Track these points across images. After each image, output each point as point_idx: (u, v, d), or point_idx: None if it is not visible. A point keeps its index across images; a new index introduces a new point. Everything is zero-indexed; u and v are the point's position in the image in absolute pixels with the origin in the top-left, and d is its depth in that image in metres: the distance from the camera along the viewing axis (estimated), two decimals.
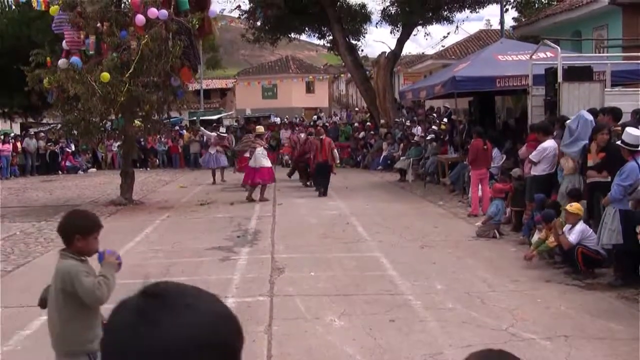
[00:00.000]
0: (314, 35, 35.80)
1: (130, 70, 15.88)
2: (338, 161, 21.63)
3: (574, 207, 9.47)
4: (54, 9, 17.03)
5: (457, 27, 32.41)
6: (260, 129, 20.85)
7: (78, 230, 4.39)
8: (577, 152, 10.61)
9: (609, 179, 9.30)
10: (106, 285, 4.33)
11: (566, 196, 10.42)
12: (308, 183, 21.67)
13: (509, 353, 1.56)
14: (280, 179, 23.86)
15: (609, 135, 9.72)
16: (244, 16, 33.60)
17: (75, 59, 16.25)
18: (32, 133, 32.50)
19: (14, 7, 32.13)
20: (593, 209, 9.95)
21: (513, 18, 38.11)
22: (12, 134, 33.37)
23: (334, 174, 19.86)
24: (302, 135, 23.40)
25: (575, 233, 9.26)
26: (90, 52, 16.50)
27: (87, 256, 4.46)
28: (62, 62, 16.35)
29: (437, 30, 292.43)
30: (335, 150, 20.58)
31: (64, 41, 16.72)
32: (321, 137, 20.04)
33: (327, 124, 33.96)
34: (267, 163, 18.78)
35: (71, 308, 4.34)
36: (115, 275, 4.44)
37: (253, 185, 18.66)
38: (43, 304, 4.61)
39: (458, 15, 32.37)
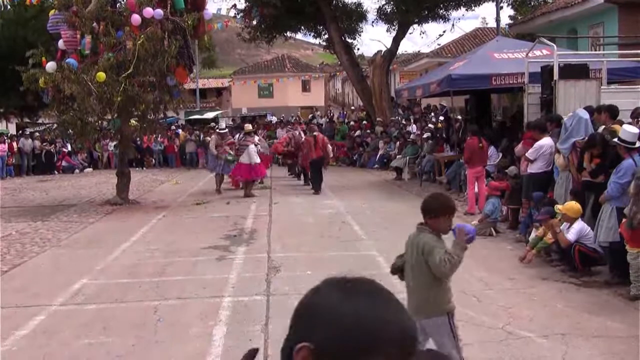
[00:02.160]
0: (309, 34, 35.83)
1: (129, 71, 15.87)
2: (331, 155, 22.14)
3: (567, 206, 9.47)
4: (51, 13, 17.00)
5: (452, 25, 32.36)
6: (248, 127, 21.43)
7: (429, 212, 5.01)
8: (567, 149, 10.63)
9: (603, 181, 9.31)
10: (449, 263, 4.84)
11: (568, 194, 10.45)
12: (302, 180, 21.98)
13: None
14: (277, 178, 23.86)
15: (600, 151, 9.68)
16: (239, 15, 33.58)
17: (71, 59, 16.20)
18: (28, 133, 32.44)
19: (9, 7, 32.09)
20: (585, 208, 9.95)
21: (509, 16, 38.24)
22: (9, 134, 33.31)
23: (324, 169, 20.31)
24: (297, 132, 23.34)
25: (574, 231, 9.26)
26: (86, 52, 16.45)
27: (442, 233, 5.01)
28: (50, 65, 16.28)
29: (432, 28, 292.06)
30: (329, 146, 21.06)
31: (61, 41, 16.67)
32: (314, 134, 20.19)
33: (321, 123, 33.97)
34: (258, 159, 19.63)
35: (427, 276, 4.96)
36: (462, 252, 4.93)
37: (248, 181, 19.36)
38: (395, 271, 5.43)
39: (454, 14, 32.47)
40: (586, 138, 10.20)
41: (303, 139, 21.09)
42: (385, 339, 1.32)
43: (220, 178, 20.64)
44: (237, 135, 21.56)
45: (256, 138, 19.74)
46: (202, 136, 33.60)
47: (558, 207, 9.69)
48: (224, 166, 20.30)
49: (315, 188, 19.48)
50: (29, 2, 18.87)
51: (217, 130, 21.73)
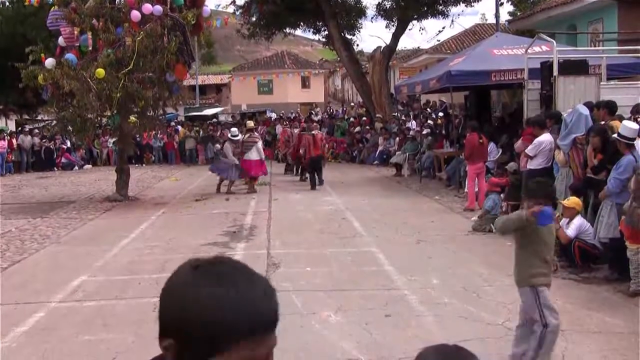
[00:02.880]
0: (309, 31, 35.80)
1: (129, 68, 15.85)
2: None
3: (571, 201, 9.46)
4: (55, 8, 17.00)
5: (452, 21, 32.46)
6: (250, 124, 21.74)
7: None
8: (567, 145, 10.61)
9: (605, 177, 9.30)
10: (500, 220, 6.00)
11: (568, 190, 10.44)
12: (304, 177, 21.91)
13: (463, 347, 1.57)
14: (276, 174, 23.85)
15: (598, 137, 9.66)
16: (239, 11, 33.54)
17: (70, 55, 16.18)
18: (27, 130, 32.43)
19: (7, 3, 32.08)
20: (587, 204, 9.95)
21: (508, 12, 38.20)
22: (8, 131, 33.29)
23: (323, 167, 20.45)
24: (295, 130, 23.33)
25: (574, 227, 9.26)
26: (89, 49, 16.42)
27: None
28: (48, 62, 16.26)
29: (432, 24, 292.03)
30: (326, 146, 21.29)
31: (61, 38, 16.65)
32: (313, 132, 20.23)
33: (322, 119, 33.96)
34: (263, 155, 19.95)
35: (522, 249, 5.81)
36: (517, 217, 5.77)
37: (253, 176, 19.47)
38: None
39: (453, 10, 32.37)
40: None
41: (296, 135, 21.29)
42: (240, 325, 1.28)
43: (221, 180, 19.95)
44: (242, 135, 21.40)
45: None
46: (201, 132, 33.61)
47: (563, 203, 9.68)
48: (234, 171, 19.43)
49: (312, 184, 19.54)
50: (28, 2, 18.81)
51: (230, 136, 20.50)
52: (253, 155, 19.35)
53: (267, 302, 1.34)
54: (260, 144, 19.85)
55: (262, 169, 19.84)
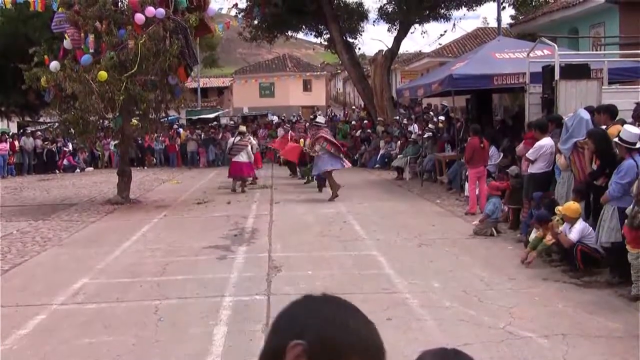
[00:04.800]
0: (311, 34, 35.82)
1: (133, 70, 15.86)
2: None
3: (565, 208, 9.45)
4: (61, 10, 17.01)
5: (454, 25, 32.32)
6: (242, 128, 22.54)
7: None
8: (568, 149, 10.60)
9: (603, 185, 9.29)
10: None
11: (570, 194, 10.44)
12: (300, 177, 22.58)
13: (462, 351, 1.60)
14: (278, 177, 23.88)
15: (592, 142, 9.65)
16: (240, 15, 33.57)
17: (86, 56, 16.12)
18: (29, 132, 32.45)
19: (10, 5, 32.05)
20: (589, 208, 9.95)
21: (510, 16, 38.14)
22: (10, 133, 33.29)
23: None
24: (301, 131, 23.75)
25: (576, 231, 9.25)
26: (91, 51, 16.43)
27: None
28: (53, 64, 16.26)
29: (434, 28, 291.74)
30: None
31: (66, 41, 16.63)
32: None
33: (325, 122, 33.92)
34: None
35: None
36: None
37: (244, 178, 20.54)
38: None
39: (455, 13, 32.42)
40: None
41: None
42: (366, 341, 1.52)
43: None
44: (234, 138, 21.74)
45: (251, 138, 20.76)
46: (202, 135, 33.64)
47: (558, 209, 9.69)
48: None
49: (306, 180, 20.25)
50: (33, 8, 18.81)
51: (315, 122, 19.52)
52: (243, 157, 20.27)
53: (380, 340, 1.58)
54: (249, 148, 20.69)
55: (251, 171, 20.96)
